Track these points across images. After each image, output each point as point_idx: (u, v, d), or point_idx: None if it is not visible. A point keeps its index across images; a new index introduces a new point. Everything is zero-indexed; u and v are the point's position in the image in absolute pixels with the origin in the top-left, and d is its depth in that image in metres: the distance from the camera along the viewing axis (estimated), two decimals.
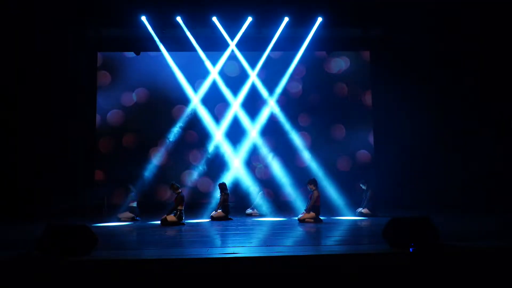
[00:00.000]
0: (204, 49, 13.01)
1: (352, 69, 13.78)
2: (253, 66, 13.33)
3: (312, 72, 13.70)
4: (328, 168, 12.93)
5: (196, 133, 13.39)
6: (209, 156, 13.07)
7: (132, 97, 13.43)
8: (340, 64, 13.79)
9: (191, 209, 11.08)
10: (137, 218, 10.04)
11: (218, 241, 6.96)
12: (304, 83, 13.62)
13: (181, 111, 13.36)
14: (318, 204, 9.31)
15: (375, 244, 5.87)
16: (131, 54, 13.22)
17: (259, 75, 13.35)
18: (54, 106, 12.28)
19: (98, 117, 13.24)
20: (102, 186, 12.55)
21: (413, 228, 5.35)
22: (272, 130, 13.29)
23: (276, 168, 12.97)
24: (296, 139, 13.27)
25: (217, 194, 10.78)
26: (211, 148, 13.13)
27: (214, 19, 12.32)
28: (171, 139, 13.04)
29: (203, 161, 13.13)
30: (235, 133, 13.26)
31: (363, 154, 13.55)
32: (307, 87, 13.64)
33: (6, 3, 11.13)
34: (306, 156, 13.13)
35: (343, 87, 13.71)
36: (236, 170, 12.88)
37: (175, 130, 13.19)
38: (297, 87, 13.58)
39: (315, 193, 9.37)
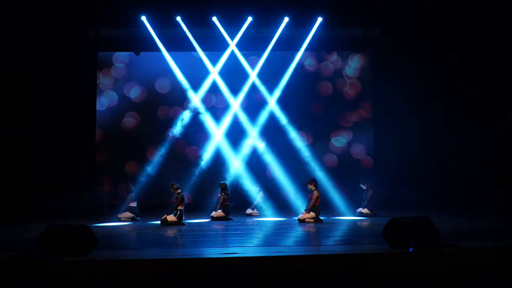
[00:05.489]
0: (204, 49, 13.01)
1: (352, 69, 13.78)
2: (253, 66, 13.34)
3: (312, 72, 13.71)
4: (328, 168, 12.95)
5: (196, 133, 13.39)
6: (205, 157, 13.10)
7: (132, 97, 13.43)
8: (340, 64, 13.79)
9: (191, 209, 11.08)
10: (137, 218, 10.04)
11: (218, 241, 6.95)
12: (304, 83, 13.61)
13: (180, 111, 13.37)
14: (318, 204, 9.31)
15: (375, 244, 5.87)
16: (131, 54, 13.23)
17: (259, 75, 13.35)
18: (54, 106, 12.28)
19: (97, 117, 13.23)
20: (102, 186, 12.54)
21: (413, 228, 5.34)
22: (272, 130, 13.29)
23: (276, 168, 12.97)
24: (296, 139, 13.27)
25: (218, 194, 10.77)
26: (210, 148, 13.15)
27: (214, 19, 12.32)
28: (174, 134, 13.06)
29: (202, 161, 13.14)
30: (235, 133, 13.26)
31: (363, 154, 13.55)
32: (307, 87, 13.63)
33: (6, 3, 11.13)
34: (306, 156, 13.12)
35: (343, 87, 13.72)
36: (236, 170, 12.90)
37: (176, 129, 13.21)
38: (297, 87, 13.57)
39: (315, 193, 9.37)
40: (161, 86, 13.45)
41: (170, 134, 13.24)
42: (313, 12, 12.25)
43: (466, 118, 12.38)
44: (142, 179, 12.43)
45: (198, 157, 13.28)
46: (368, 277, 4.81)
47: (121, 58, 13.51)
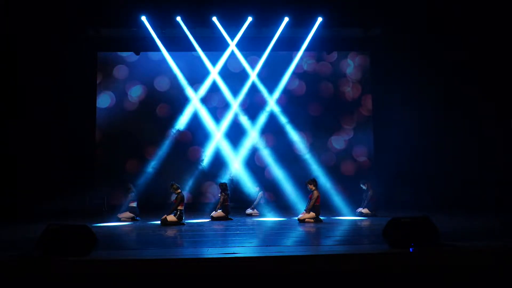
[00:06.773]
0: (204, 49, 13.02)
1: (352, 69, 13.79)
2: (253, 66, 13.34)
3: (312, 72, 13.71)
4: (328, 168, 12.95)
5: (195, 133, 13.39)
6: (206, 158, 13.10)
7: (132, 97, 13.44)
8: (340, 64, 13.79)
9: (191, 209, 11.07)
10: (137, 218, 10.04)
11: (218, 241, 6.96)
12: (304, 83, 13.62)
13: (180, 111, 13.36)
14: (318, 204, 9.31)
15: (375, 244, 5.87)
16: (131, 54, 13.23)
17: (259, 75, 13.35)
18: (54, 106, 12.28)
19: (97, 117, 13.23)
20: (102, 186, 12.54)
21: (413, 228, 5.35)
22: (272, 130, 13.30)
23: (276, 168, 12.97)
24: (296, 139, 13.27)
25: (218, 194, 10.78)
26: (210, 148, 13.16)
27: (214, 19, 12.32)
28: (175, 133, 13.07)
29: (202, 161, 13.14)
30: (235, 133, 13.27)
31: (363, 154, 13.55)
32: (307, 87, 13.64)
33: (5, 3, 11.13)
34: (306, 156, 13.13)
35: (343, 87, 13.72)
36: (236, 170, 12.90)
37: (176, 128, 13.23)
38: (297, 87, 13.59)
39: (315, 193, 9.37)
40: (161, 86, 13.46)
41: (172, 133, 13.24)
42: (313, 12, 12.25)
43: (466, 118, 12.37)
44: (142, 179, 12.42)
45: (198, 157, 13.27)
46: (368, 277, 4.81)
47: (121, 58, 13.51)
